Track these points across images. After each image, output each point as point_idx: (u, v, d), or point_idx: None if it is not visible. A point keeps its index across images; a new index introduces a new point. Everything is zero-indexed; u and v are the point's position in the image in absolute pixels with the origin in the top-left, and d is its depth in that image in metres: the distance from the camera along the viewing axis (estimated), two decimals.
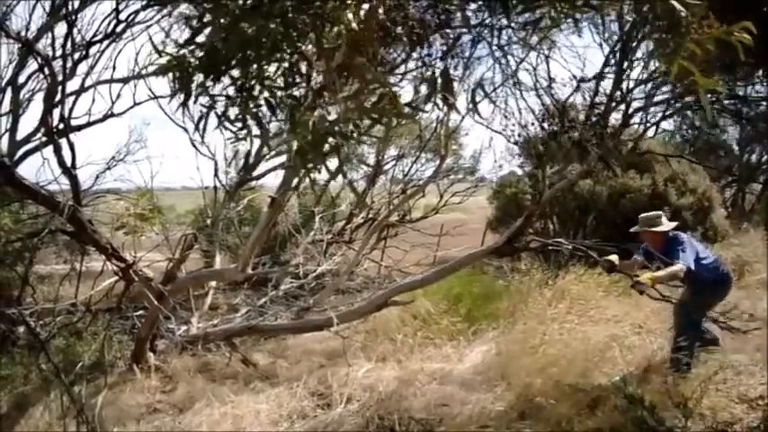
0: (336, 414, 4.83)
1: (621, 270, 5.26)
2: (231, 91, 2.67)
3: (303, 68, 2.69)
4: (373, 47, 2.57)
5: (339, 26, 2.41)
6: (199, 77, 2.60)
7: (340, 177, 12.52)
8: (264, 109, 2.67)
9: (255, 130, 2.70)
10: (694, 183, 12.01)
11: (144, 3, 6.74)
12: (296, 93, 2.71)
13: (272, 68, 2.66)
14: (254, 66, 2.60)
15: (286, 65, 2.64)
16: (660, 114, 8.14)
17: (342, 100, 2.61)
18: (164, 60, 2.64)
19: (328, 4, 2.46)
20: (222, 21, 2.47)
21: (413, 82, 2.84)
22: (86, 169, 11.27)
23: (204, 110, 2.68)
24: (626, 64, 6.36)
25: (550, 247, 6.06)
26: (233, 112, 2.68)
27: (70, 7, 7.19)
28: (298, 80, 2.69)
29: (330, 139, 2.54)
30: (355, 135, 2.61)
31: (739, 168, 18.80)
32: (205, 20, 2.54)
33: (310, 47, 2.64)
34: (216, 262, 8.71)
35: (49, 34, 7.72)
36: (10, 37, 7.43)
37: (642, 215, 5.43)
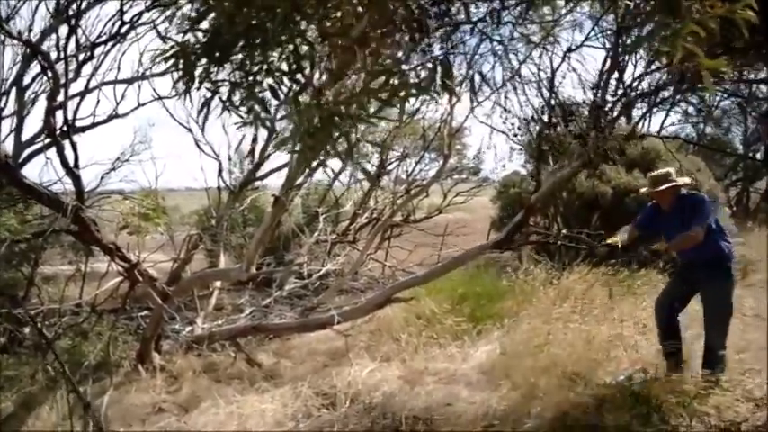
0: (341, 414, 4.83)
1: (626, 246, 5.01)
2: (235, 76, 2.66)
3: (307, 53, 2.67)
4: (377, 33, 2.55)
5: (343, 8, 2.40)
6: (202, 63, 2.60)
7: (343, 177, 12.54)
8: (268, 94, 2.66)
9: (262, 114, 2.69)
10: (699, 181, 11.98)
11: (148, 4, 6.76)
12: (300, 78, 2.69)
13: (275, 54, 2.65)
14: (258, 51, 2.59)
15: (291, 48, 2.62)
16: (660, 107, 8.10)
17: (352, 81, 2.61)
18: (167, 47, 2.65)
19: None
20: (226, 4, 2.46)
21: (413, 71, 2.82)
22: (92, 170, 11.34)
23: (208, 95, 2.67)
24: (622, 52, 6.30)
25: (550, 241, 5.98)
26: (237, 97, 2.67)
27: (74, 9, 7.22)
28: (302, 65, 2.68)
29: (337, 121, 2.52)
30: (363, 116, 2.60)
31: (744, 167, 18.77)
32: (210, 3, 2.54)
33: (312, 33, 2.63)
34: (220, 262, 8.74)
35: (54, 35, 7.76)
36: (13, 38, 7.46)
37: (650, 174, 5.09)
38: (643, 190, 5.07)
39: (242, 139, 9.58)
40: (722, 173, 17.21)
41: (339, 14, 2.43)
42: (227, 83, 2.64)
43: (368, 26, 2.43)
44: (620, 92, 6.48)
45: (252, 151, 9.36)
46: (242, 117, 2.68)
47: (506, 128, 8.90)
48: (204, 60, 2.57)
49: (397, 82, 2.47)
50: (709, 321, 4.63)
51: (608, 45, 6.53)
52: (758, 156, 19.39)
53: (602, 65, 6.49)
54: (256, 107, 2.63)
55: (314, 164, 5.62)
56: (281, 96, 2.64)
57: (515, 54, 6.04)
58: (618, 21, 5.98)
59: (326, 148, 2.61)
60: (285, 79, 2.63)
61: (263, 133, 8.34)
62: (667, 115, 8.21)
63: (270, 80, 2.60)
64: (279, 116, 2.77)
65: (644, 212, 5.15)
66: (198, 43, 2.57)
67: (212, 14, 2.53)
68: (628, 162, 10.76)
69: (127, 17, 8.36)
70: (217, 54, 2.55)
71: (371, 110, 2.69)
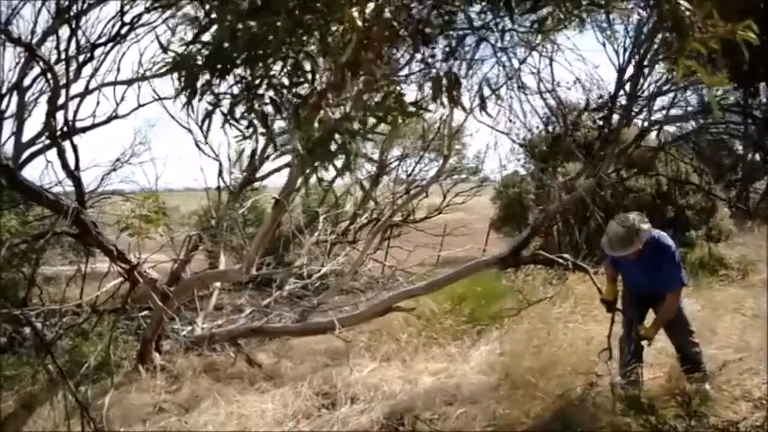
0: (341, 414, 4.84)
1: (617, 308, 4.86)
2: (236, 89, 2.67)
3: (308, 67, 2.70)
4: (380, 45, 2.57)
5: (345, 24, 2.42)
6: (204, 75, 2.61)
7: (345, 177, 12.52)
8: (269, 107, 2.68)
9: (261, 129, 2.70)
10: (698, 182, 12.01)
11: (148, 5, 6.77)
12: (300, 91, 2.71)
13: (276, 67, 2.66)
14: (260, 64, 2.60)
15: (291, 63, 2.64)
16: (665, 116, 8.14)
17: (350, 97, 2.62)
18: (169, 58, 2.66)
19: (335, 3, 2.47)
20: (229, 18, 2.48)
21: (417, 82, 2.84)
22: (92, 171, 11.39)
23: (209, 108, 2.69)
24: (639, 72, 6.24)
25: (560, 262, 5.88)
26: (238, 110, 2.68)
27: (74, 10, 7.24)
28: (302, 79, 2.70)
29: (337, 136, 2.54)
30: (361, 132, 2.61)
31: (743, 168, 18.72)
32: (212, 17, 2.56)
33: (314, 46, 2.65)
34: (220, 262, 8.74)
35: (54, 37, 7.78)
36: (12, 41, 7.46)
37: (614, 229, 4.48)
38: (607, 247, 4.56)
39: (240, 154, 9.60)
40: (721, 172, 17.16)
41: (341, 29, 2.45)
42: (228, 95, 2.65)
43: (368, 40, 2.44)
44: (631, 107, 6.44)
45: (252, 163, 9.36)
46: (241, 131, 2.69)
47: (509, 132, 8.90)
48: (206, 72, 2.58)
49: (392, 101, 2.49)
50: (675, 336, 4.71)
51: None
52: (757, 156, 19.31)
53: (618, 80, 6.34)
54: (255, 121, 2.64)
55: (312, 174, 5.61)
56: (282, 109, 2.65)
57: (516, 57, 6.04)
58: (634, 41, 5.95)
59: (325, 163, 2.60)
60: (286, 92, 2.65)
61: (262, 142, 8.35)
62: (667, 113, 8.21)
63: (271, 93, 2.62)
64: (278, 129, 2.78)
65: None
66: (199, 54, 2.58)
67: (214, 27, 2.54)
68: (627, 162, 10.77)
69: (127, 18, 8.41)
70: (219, 67, 2.56)
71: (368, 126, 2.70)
